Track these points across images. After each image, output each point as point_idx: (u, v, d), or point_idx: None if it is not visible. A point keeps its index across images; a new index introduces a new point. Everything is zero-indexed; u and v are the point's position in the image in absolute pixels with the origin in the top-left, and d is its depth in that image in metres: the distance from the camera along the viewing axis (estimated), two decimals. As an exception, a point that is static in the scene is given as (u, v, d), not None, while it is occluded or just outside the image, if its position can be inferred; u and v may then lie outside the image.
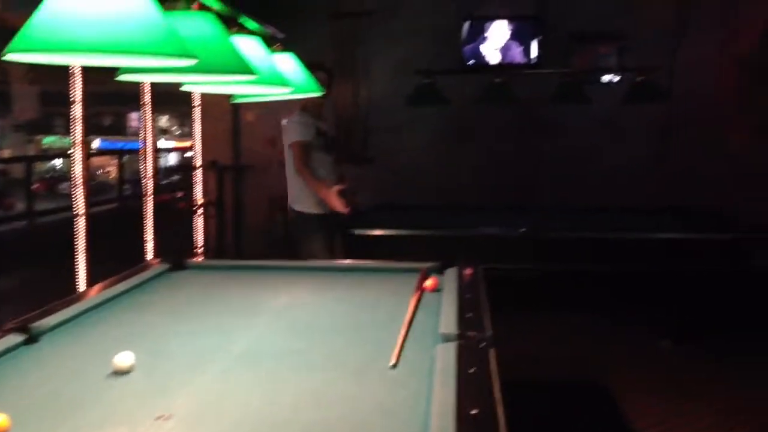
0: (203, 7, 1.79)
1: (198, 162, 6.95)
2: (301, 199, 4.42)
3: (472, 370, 1.70)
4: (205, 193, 6.97)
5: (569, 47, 6.31)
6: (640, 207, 5.38)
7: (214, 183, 6.95)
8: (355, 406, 1.62)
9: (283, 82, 2.29)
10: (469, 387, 1.59)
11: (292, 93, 2.56)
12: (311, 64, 3.29)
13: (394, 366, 1.84)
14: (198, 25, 1.74)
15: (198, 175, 6.93)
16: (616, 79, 6.17)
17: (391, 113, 6.70)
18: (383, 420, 1.54)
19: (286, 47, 2.67)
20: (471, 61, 6.41)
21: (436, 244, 4.28)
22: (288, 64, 2.63)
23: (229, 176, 7.06)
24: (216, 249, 6.85)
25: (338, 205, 4.21)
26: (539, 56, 6.31)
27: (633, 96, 4.95)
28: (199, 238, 6.87)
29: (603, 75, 6.19)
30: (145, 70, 1.87)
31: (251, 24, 2.27)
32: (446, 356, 1.81)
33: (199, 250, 6.82)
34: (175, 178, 15.60)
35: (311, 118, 4.41)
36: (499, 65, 6.31)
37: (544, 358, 4.32)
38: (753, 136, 6.44)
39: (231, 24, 2.10)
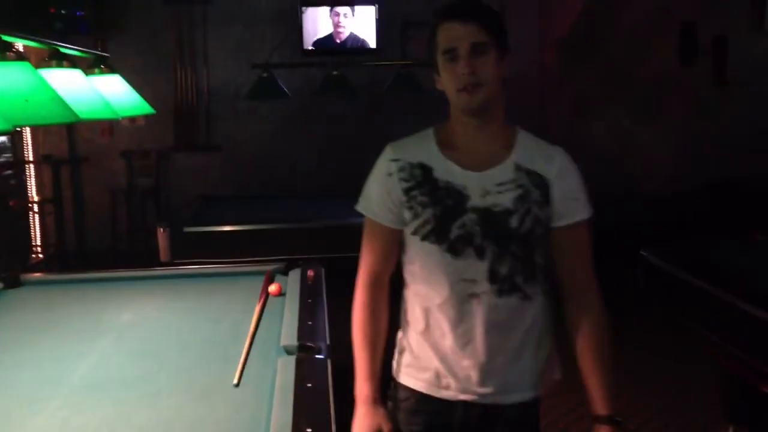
0: (19, 55, 1.74)
1: (30, 156, 6.58)
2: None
3: (309, 385, 1.83)
4: (40, 190, 6.63)
5: (404, 35, 6.53)
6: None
7: (50, 178, 6.61)
8: (201, 431, 1.70)
9: (107, 111, 2.24)
10: (305, 404, 1.72)
11: (120, 116, 2.53)
12: None
13: (237, 385, 1.95)
14: (15, 77, 1.70)
15: (30, 171, 6.58)
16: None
17: (233, 101, 6.66)
18: (226, 444, 1.63)
19: (112, 69, 2.62)
20: (311, 47, 6.49)
21: (282, 238, 4.27)
22: (114, 85, 2.59)
23: (66, 170, 6.74)
24: (57, 248, 6.55)
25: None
26: (378, 44, 6.49)
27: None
28: (37, 238, 6.54)
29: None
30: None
31: (71, 53, 2.22)
32: (286, 371, 1.94)
33: (38, 251, 6.50)
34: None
35: (423, 146, 1.82)
36: (338, 52, 6.45)
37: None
38: (572, 113, 7.03)
39: (50, 57, 2.05)
